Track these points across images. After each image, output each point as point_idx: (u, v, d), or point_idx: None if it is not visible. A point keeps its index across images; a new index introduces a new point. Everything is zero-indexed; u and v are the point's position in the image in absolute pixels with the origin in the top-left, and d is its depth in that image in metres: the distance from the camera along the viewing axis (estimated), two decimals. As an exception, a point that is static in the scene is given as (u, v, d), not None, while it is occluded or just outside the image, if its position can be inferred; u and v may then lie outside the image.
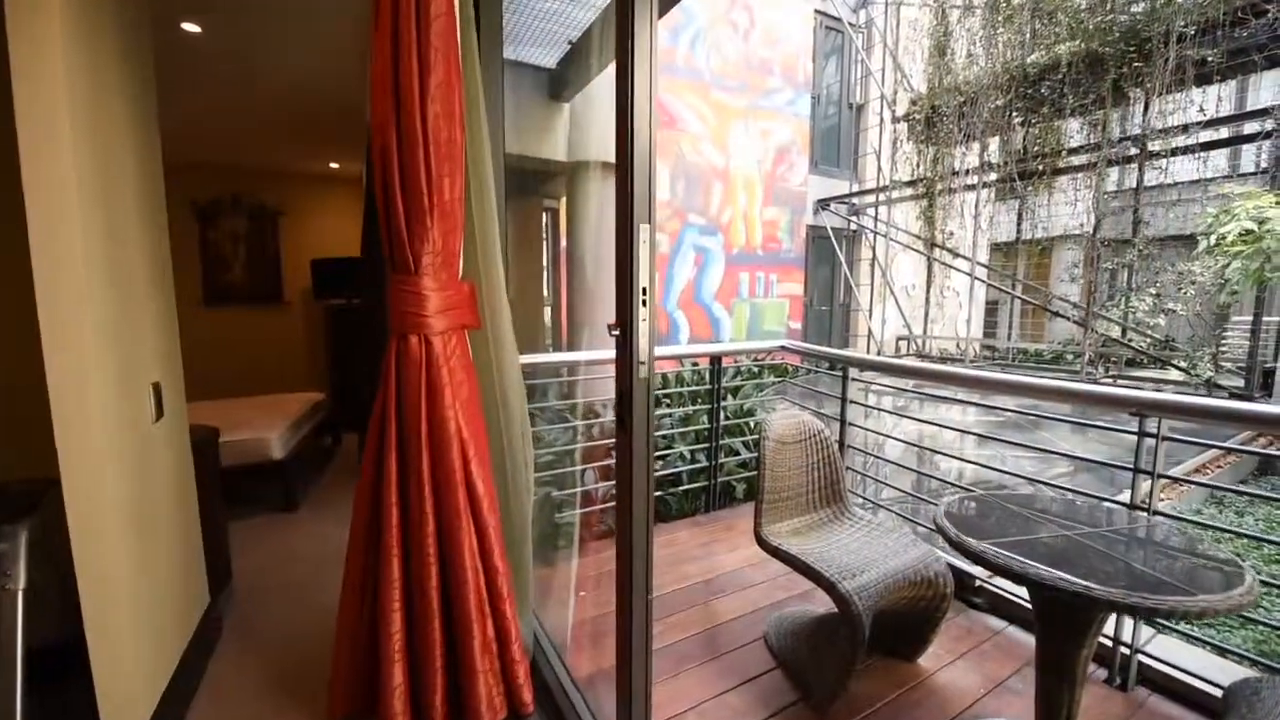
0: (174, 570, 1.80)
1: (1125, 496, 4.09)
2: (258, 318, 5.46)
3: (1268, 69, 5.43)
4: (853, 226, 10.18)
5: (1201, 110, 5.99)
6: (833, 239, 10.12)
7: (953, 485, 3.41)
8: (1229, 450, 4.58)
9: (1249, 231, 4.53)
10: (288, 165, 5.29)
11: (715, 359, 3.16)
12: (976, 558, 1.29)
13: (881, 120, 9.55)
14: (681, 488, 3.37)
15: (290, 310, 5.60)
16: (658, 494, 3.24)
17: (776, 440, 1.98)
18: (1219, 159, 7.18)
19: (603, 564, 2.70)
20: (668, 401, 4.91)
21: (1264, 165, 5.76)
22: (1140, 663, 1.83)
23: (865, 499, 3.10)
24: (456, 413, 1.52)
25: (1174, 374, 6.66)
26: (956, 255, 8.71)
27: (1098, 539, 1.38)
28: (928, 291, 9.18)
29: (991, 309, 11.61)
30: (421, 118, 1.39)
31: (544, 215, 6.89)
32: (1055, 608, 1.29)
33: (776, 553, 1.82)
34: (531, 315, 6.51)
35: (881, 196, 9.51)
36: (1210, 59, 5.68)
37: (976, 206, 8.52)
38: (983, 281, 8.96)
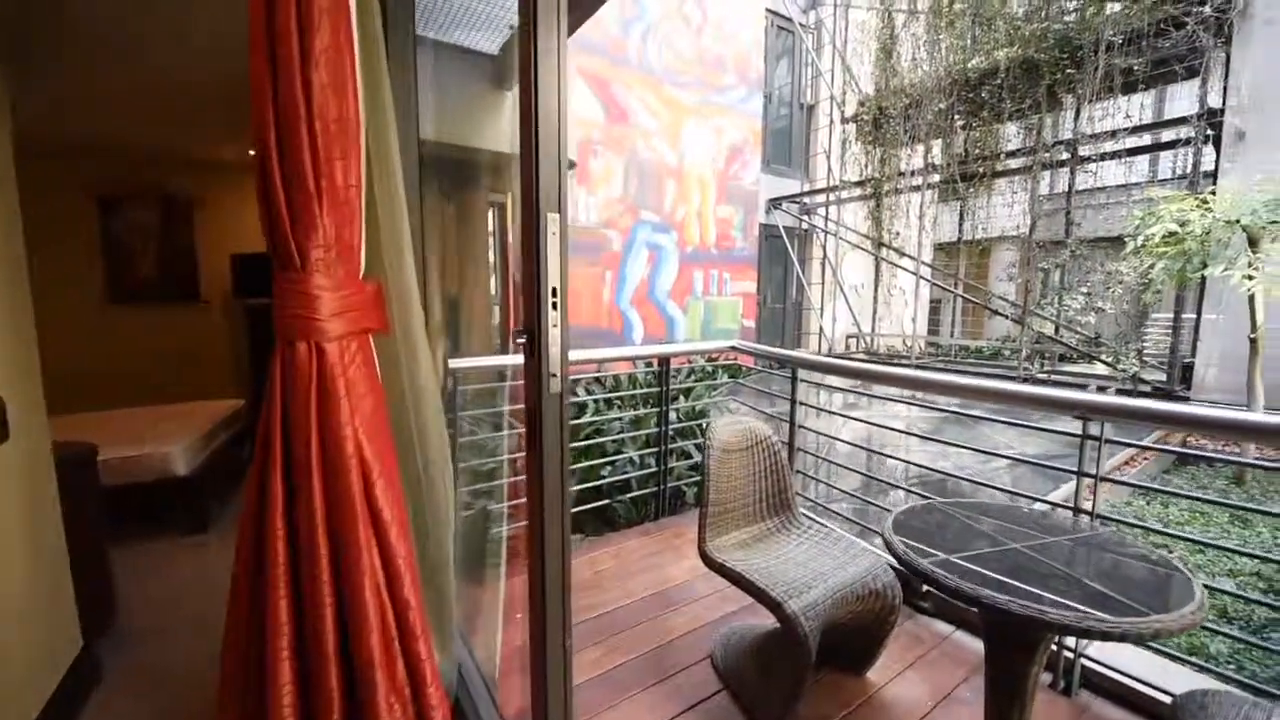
0: (26, 615, 1.53)
1: (1061, 493, 4.21)
2: (171, 317, 4.99)
3: (1186, 79, 5.76)
4: (804, 226, 10.31)
5: (1128, 116, 6.30)
6: (785, 238, 10.21)
7: (902, 488, 3.41)
8: (1164, 451, 4.85)
9: (1172, 234, 4.78)
10: (203, 151, 4.84)
11: (663, 360, 3.04)
12: (926, 578, 1.21)
13: (831, 121, 9.69)
14: (630, 494, 3.24)
15: (208, 309, 5.16)
16: (604, 503, 3.10)
17: (721, 449, 1.87)
18: (1143, 164, 7.59)
19: (544, 580, 2.54)
20: (619, 403, 4.77)
21: (1180, 171, 6.10)
22: (1083, 666, 1.82)
23: (815, 502, 3.05)
24: (356, 430, 1.33)
25: (1101, 369, 7.02)
26: (903, 255, 8.93)
27: (1046, 550, 1.32)
28: (876, 290, 9.39)
29: (935, 307, 12.02)
30: (304, 87, 1.19)
31: (490, 210, 6.63)
32: (1007, 629, 1.22)
33: (722, 570, 1.71)
34: (479, 316, 6.25)
35: (831, 196, 9.65)
36: (1136, 68, 5.97)
37: (921, 207, 8.75)
38: (927, 280, 9.22)
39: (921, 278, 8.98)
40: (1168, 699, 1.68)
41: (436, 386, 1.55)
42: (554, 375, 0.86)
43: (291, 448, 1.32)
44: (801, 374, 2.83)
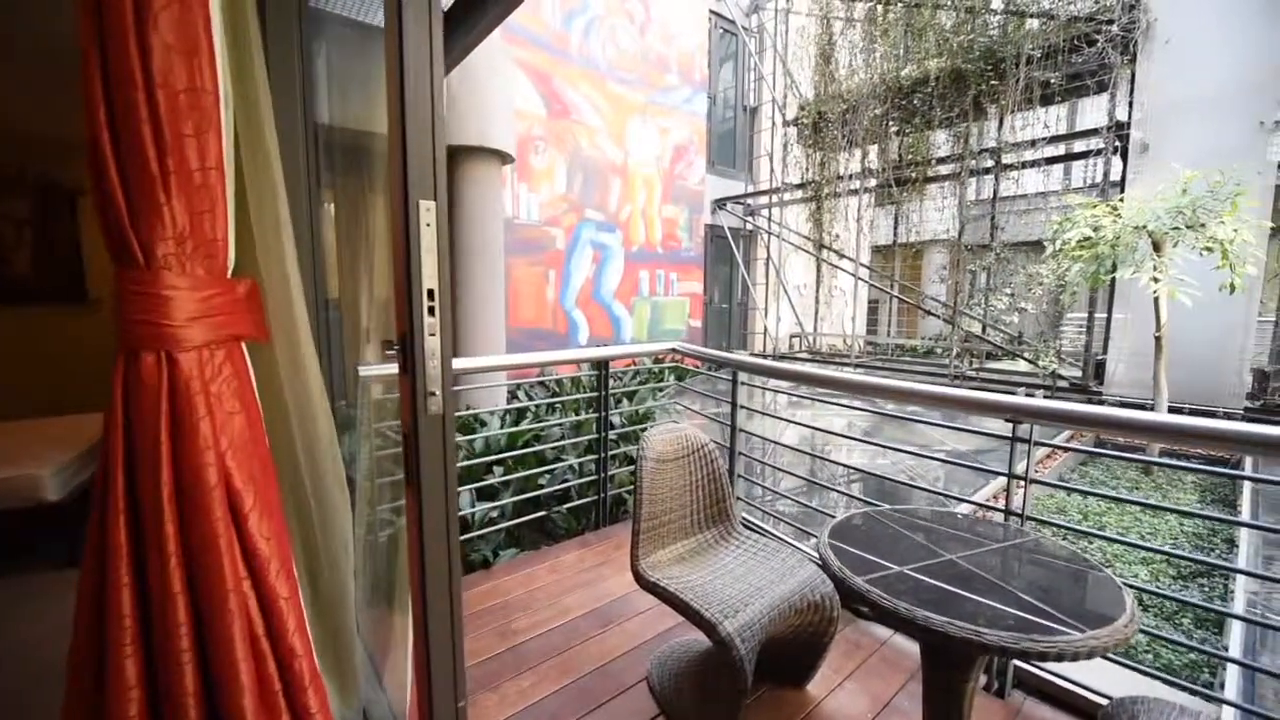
0: None
1: (991, 489, 4.35)
2: (52, 320, 4.44)
3: (1097, 93, 6.15)
4: (749, 227, 10.43)
5: (1046, 127, 6.68)
6: (730, 238, 10.30)
7: (840, 492, 3.42)
8: (1085, 452, 5.18)
9: (1086, 238, 5.07)
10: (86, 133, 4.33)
11: (601, 363, 2.91)
12: (862, 598, 1.14)
13: (773, 124, 9.84)
14: (570, 504, 3.10)
15: (98, 310, 4.63)
16: (542, 514, 2.95)
17: (656, 459, 1.76)
18: (1059, 172, 8.09)
19: (475, 601, 2.37)
20: (561, 408, 4.62)
21: (1092, 180, 6.52)
22: (1016, 666, 1.82)
23: (756, 506, 3.00)
24: (222, 455, 1.13)
25: (1025, 365, 7.43)
26: (842, 256, 9.16)
27: (980, 560, 1.29)
28: (817, 291, 9.60)
29: (874, 307, 12.45)
30: (140, 51, 1.00)
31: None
32: (944, 649, 1.17)
33: (655, 590, 1.60)
34: (411, 315, 5.93)
35: (774, 198, 9.80)
36: (1052, 81, 6.33)
37: (859, 210, 9.00)
38: (865, 281, 9.51)
39: (860, 279, 9.25)
40: (1095, 696, 1.70)
41: (325, 398, 1.37)
42: (433, 393, 0.73)
43: (137, 483, 1.11)
44: (744, 376, 2.77)
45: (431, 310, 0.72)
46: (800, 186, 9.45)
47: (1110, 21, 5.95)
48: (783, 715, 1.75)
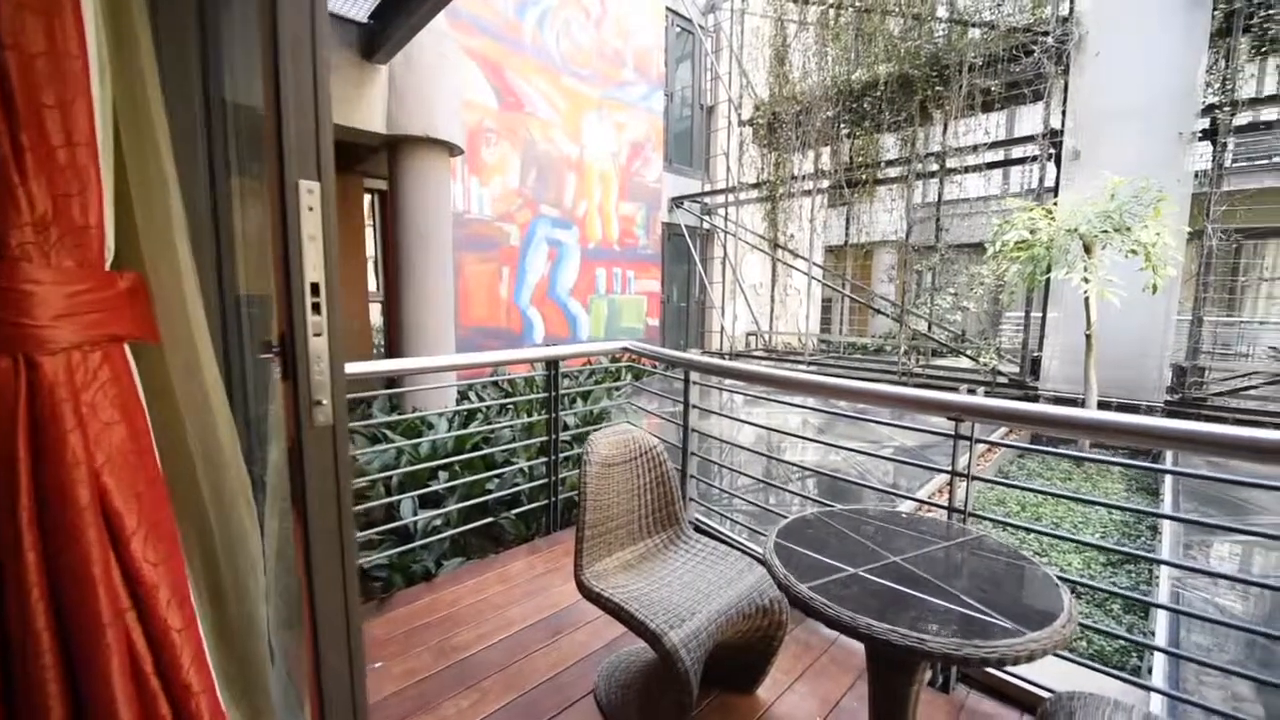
0: None
1: (935, 484, 4.48)
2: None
3: (1033, 102, 6.45)
4: (706, 225, 10.49)
5: (987, 133, 6.96)
6: (687, 237, 10.33)
7: (791, 491, 3.44)
8: (1024, 449, 5.43)
9: (1023, 241, 5.31)
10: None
11: (552, 362, 2.82)
12: (806, 606, 1.11)
13: (729, 123, 9.91)
14: (520, 509, 3.00)
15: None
16: (490, 520, 2.83)
17: (601, 463, 1.70)
18: (999, 177, 8.46)
19: (414, 616, 2.24)
20: (511, 409, 4.49)
21: (1029, 185, 6.84)
22: (958, 661, 1.84)
23: (709, 507, 2.98)
24: (96, 472, 1.00)
25: (967, 362, 7.74)
26: (796, 256, 9.32)
27: (924, 561, 1.28)
28: (773, 289, 9.74)
29: (827, 306, 12.74)
30: (-21, 1, 0.86)
31: (368, 197, 6.03)
32: (888, 655, 1.15)
33: (599, 601, 1.54)
34: (355, 315, 5.65)
35: (730, 197, 9.88)
36: (993, 89, 6.59)
37: (812, 211, 9.17)
38: (818, 281, 9.71)
39: (813, 278, 9.43)
40: (1035, 689, 1.73)
41: (226, 405, 1.24)
42: (320, 402, 0.64)
43: (-15, 504, 0.96)
44: (698, 375, 2.73)
45: (316, 307, 0.63)
46: (756, 186, 9.55)
47: (1046, 33, 6.24)
48: (732, 721, 1.72)
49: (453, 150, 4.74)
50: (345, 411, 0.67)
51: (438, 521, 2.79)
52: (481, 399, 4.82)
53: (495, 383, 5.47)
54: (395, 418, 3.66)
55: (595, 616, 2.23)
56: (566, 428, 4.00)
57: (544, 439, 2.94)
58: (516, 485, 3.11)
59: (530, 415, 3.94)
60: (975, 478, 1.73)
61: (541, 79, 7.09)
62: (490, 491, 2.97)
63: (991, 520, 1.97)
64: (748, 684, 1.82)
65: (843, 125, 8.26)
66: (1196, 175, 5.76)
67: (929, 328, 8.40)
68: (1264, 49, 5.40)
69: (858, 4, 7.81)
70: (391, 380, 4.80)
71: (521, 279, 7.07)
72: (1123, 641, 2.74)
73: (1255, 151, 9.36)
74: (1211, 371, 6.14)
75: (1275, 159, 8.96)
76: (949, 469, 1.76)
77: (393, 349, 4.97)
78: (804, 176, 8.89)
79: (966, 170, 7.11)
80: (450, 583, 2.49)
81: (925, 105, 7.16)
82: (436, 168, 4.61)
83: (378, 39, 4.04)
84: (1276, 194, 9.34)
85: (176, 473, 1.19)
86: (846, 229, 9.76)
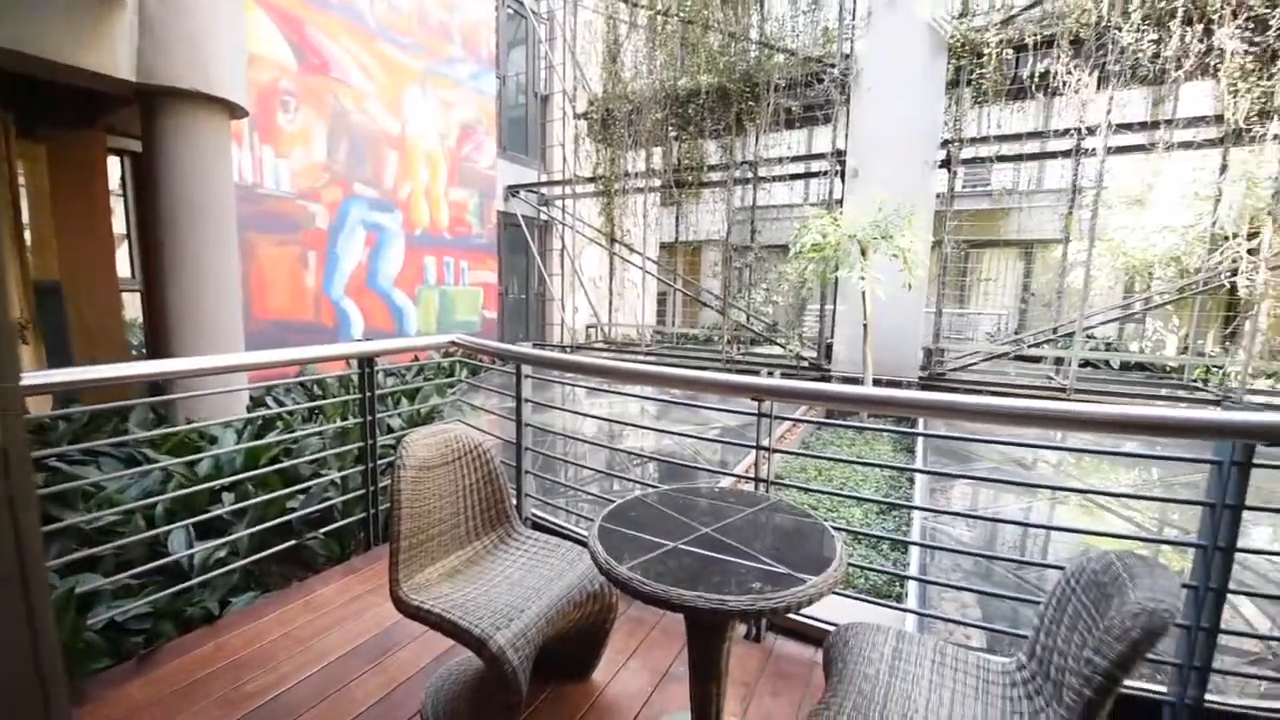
0: None
1: (748, 460, 4.97)
2: None
3: (825, 124, 7.49)
4: (543, 216, 10.35)
5: (789, 148, 7.89)
6: (524, 227, 10.10)
7: (621, 477, 3.56)
8: (816, 423, 6.37)
9: (817, 244, 6.16)
10: None
11: (365, 360, 2.54)
12: (625, 586, 1.15)
13: (565, 114, 9.87)
14: (332, 526, 2.67)
15: None
16: (293, 544, 2.47)
17: (418, 466, 1.57)
18: (800, 187, 9.66)
19: (193, 668, 1.87)
20: (319, 414, 3.98)
21: (822, 196, 7.93)
22: (767, 614, 2.08)
23: (545, 501, 2.96)
24: None
25: (777, 349, 8.78)
26: (633, 250, 9.66)
27: (730, 529, 1.41)
28: (610, 283, 9.98)
29: (662, 299, 13.45)
30: None
31: (116, 160, 4.85)
32: (698, 619, 1.25)
33: (418, 615, 1.43)
34: (100, 308, 4.52)
35: (568, 190, 9.87)
36: (794, 109, 7.49)
37: (645, 208, 9.57)
38: (652, 275, 10.19)
39: (648, 273, 9.87)
40: (825, 625, 2.02)
41: None
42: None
43: None
44: (532, 368, 2.68)
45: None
46: (592, 180, 9.67)
47: (833, 65, 7.26)
48: (568, 710, 1.73)
49: (235, 111, 4.01)
50: (22, 434, 0.52)
51: (222, 552, 2.36)
52: (282, 404, 4.18)
53: (302, 384, 4.79)
54: (161, 432, 3.00)
55: (423, 632, 2.08)
56: (389, 431, 3.65)
57: (359, 445, 2.65)
58: (328, 499, 2.76)
59: (345, 420, 3.52)
60: (775, 450, 1.95)
61: (351, 41, 6.33)
62: (293, 510, 2.59)
63: (791, 486, 2.25)
64: (583, 670, 1.85)
65: (671, 128, 8.73)
66: (938, 196, 7.19)
67: (747, 319, 9.33)
68: (980, 100, 6.91)
69: (681, 15, 8.29)
70: (157, 386, 3.94)
71: (333, 266, 6.28)
72: (887, 575, 3.34)
73: (976, 180, 12.01)
74: (949, 352, 7.76)
75: (986, 186, 11.59)
76: (753, 444, 1.97)
77: (158, 347, 4.07)
78: (637, 174, 9.23)
79: (774, 179, 8.01)
80: (243, 621, 2.13)
81: (740, 117, 7.89)
82: (212, 130, 3.86)
83: (119, -37, 3.24)
84: (989, 214, 12.12)
85: None
86: (677, 227, 10.37)
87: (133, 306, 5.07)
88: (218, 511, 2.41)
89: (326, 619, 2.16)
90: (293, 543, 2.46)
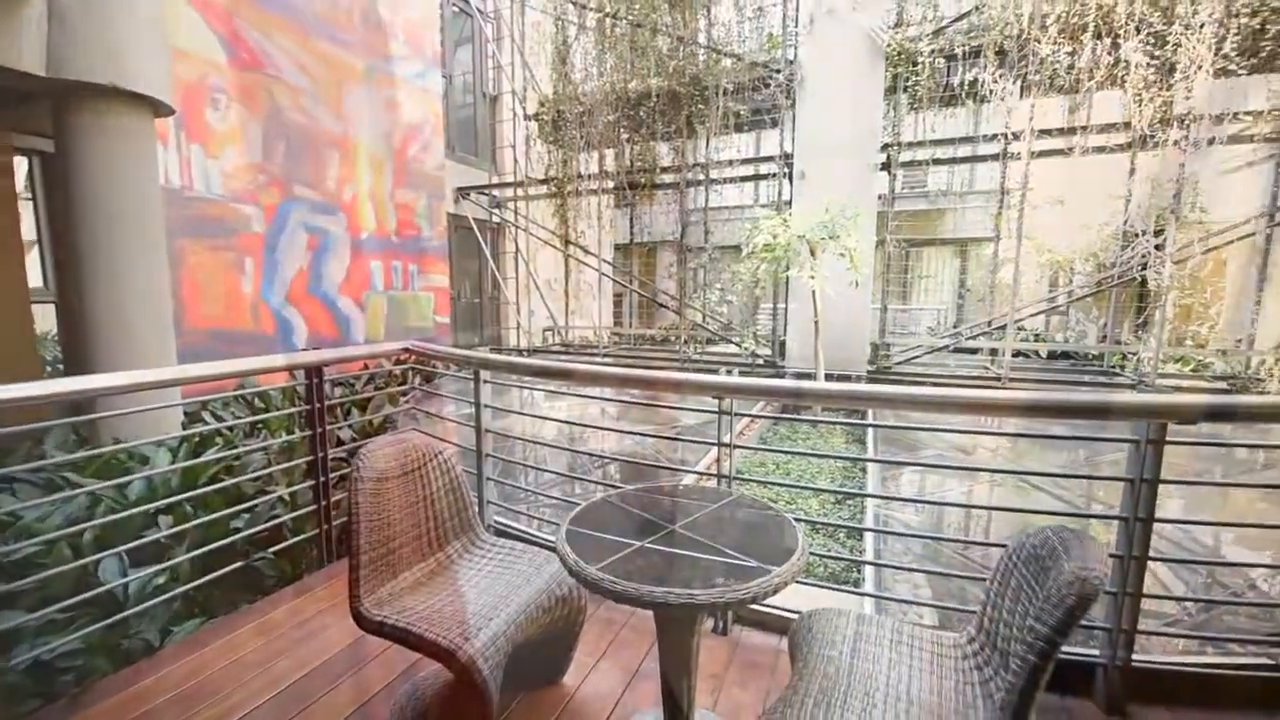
0: None
1: (709, 457, 5.05)
2: None
3: (772, 127, 7.68)
4: (496, 219, 10.18)
5: (739, 151, 8.05)
6: (476, 230, 9.91)
7: (586, 479, 3.55)
8: (774, 418, 6.51)
9: (769, 244, 6.32)
10: None
11: (312, 370, 2.44)
12: (595, 586, 1.16)
13: (515, 115, 9.75)
14: (281, 545, 2.54)
15: None
16: (239, 565, 2.35)
17: (376, 478, 1.53)
18: (751, 189, 9.88)
19: (132, 704, 1.75)
20: (264, 430, 3.80)
21: (772, 198, 8.14)
22: (733, 607, 2.12)
23: (508, 508, 2.92)
24: None
25: (733, 348, 8.95)
26: (588, 252, 9.63)
27: (696, 525, 1.43)
28: (566, 285, 9.92)
29: (618, 300, 13.46)
30: None
31: (21, 161, 4.47)
32: (668, 614, 1.27)
33: (382, 630, 1.39)
34: (6, 319, 4.15)
35: (520, 191, 9.75)
36: (742, 113, 7.65)
37: (599, 209, 9.56)
38: (608, 277, 10.19)
39: (604, 274, 9.86)
40: (789, 614, 2.07)
41: None
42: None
43: None
44: (491, 373, 2.64)
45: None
46: (544, 182, 9.58)
47: (779, 71, 7.46)
48: (540, 715, 1.72)
49: (158, 109, 3.77)
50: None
51: (160, 579, 2.21)
52: (221, 419, 3.96)
53: (242, 398, 4.54)
54: (84, 454, 2.79)
55: (387, 648, 2.01)
56: (340, 443, 3.52)
57: (309, 459, 2.54)
58: (276, 517, 2.63)
59: (291, 434, 3.36)
60: (736, 446, 2.00)
61: (286, 37, 6.05)
62: (238, 530, 2.46)
63: (752, 480, 2.31)
64: (554, 674, 1.84)
65: (623, 130, 8.75)
66: (880, 197, 7.50)
67: (703, 319, 9.46)
68: (916, 106, 7.26)
69: (630, 18, 8.34)
70: (79, 405, 3.66)
71: (272, 272, 5.98)
72: (845, 562, 3.47)
73: (915, 182, 12.61)
74: (894, 347, 8.11)
75: (923, 188, 12.18)
76: (714, 441, 2.01)
77: (76, 363, 3.77)
78: (590, 176, 9.21)
79: (726, 181, 8.17)
80: (186, 650, 2.00)
81: (690, 120, 8.00)
82: (134, 129, 3.61)
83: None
84: (927, 214, 12.75)
85: None
86: (631, 228, 10.40)
87: (45, 319, 4.67)
88: (154, 536, 2.26)
89: (280, 642, 2.06)
90: (239, 564, 2.33)
